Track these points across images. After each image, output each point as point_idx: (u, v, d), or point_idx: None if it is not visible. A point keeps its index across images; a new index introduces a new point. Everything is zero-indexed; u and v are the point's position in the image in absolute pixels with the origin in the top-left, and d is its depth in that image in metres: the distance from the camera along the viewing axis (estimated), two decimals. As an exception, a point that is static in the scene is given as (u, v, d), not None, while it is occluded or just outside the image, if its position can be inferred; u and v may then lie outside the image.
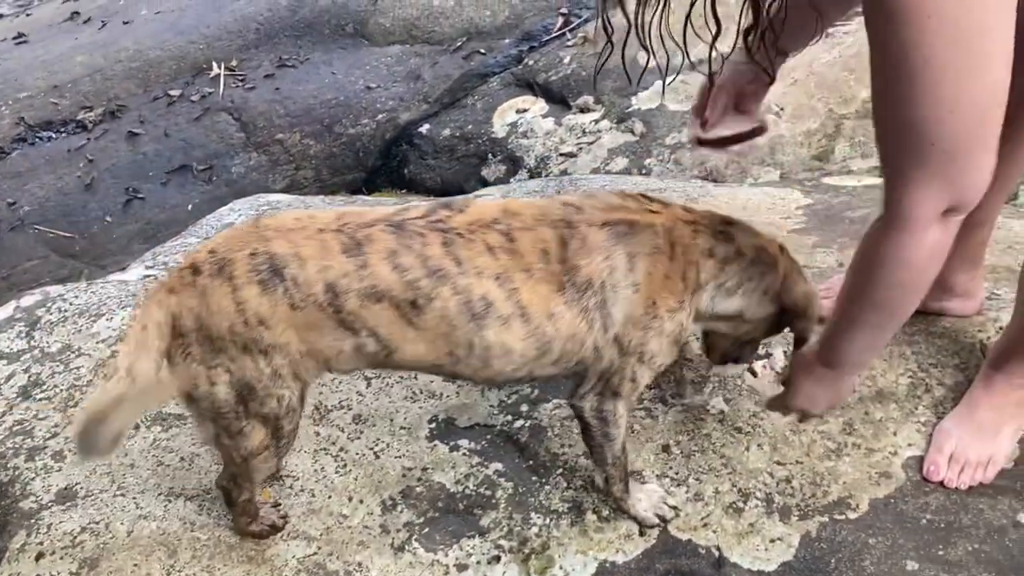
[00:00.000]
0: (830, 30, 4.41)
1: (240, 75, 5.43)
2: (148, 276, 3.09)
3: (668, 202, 2.03)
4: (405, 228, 1.81)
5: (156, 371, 1.81)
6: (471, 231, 1.82)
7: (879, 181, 3.47)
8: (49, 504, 2.30)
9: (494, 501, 2.23)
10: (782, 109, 4.01)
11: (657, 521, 2.12)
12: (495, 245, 1.81)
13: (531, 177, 4.49)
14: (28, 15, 7.37)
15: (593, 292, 1.85)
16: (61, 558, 2.18)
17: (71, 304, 2.96)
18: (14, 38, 6.68)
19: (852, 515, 2.11)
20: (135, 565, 2.15)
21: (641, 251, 1.87)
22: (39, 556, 2.19)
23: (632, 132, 4.36)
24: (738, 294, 2.00)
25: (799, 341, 2.12)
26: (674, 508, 2.14)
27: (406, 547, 2.16)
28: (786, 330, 2.15)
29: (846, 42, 4.31)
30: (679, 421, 2.33)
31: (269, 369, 1.82)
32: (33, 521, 2.27)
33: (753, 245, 2.01)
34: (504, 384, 2.08)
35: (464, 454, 2.34)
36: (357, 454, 2.35)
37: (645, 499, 2.14)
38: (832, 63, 4.15)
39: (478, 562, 2.13)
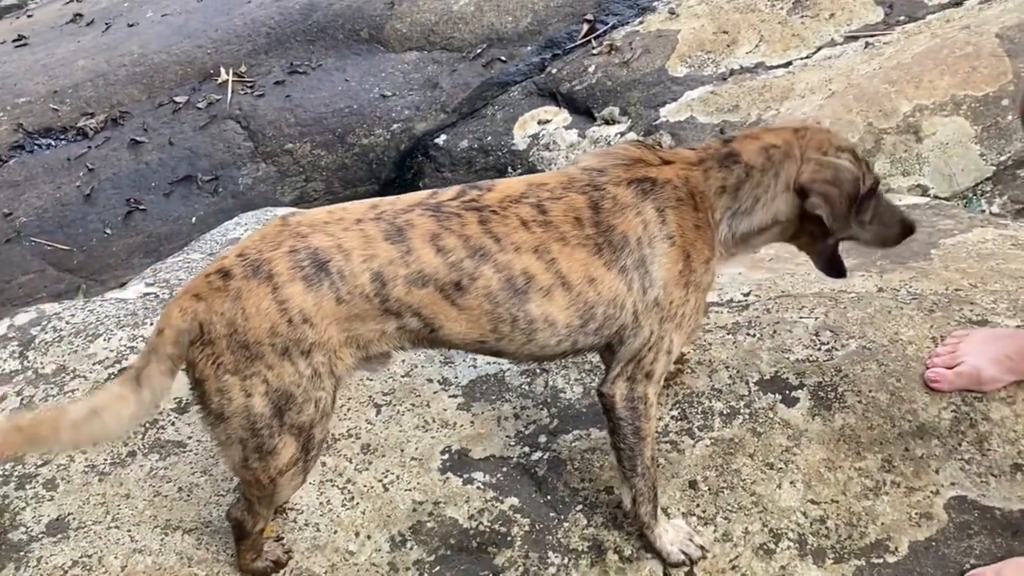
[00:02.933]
0: (870, 40, 4.43)
1: (249, 81, 5.49)
2: (148, 294, 3.12)
3: (674, 150, 2.11)
4: (442, 210, 1.89)
5: (166, 379, 1.84)
6: (503, 207, 1.91)
7: (922, 200, 3.48)
8: (39, 536, 2.33)
9: (509, 539, 2.23)
10: (819, 122, 4.00)
11: (683, 559, 2.11)
12: (528, 219, 1.91)
13: (552, 192, 4.50)
14: (29, 16, 7.50)
15: (630, 250, 1.93)
16: (52, 593, 2.20)
17: (67, 323, 2.99)
18: (14, 40, 6.79)
19: (891, 558, 2.09)
20: (129, 601, 2.16)
21: (667, 204, 1.96)
22: (29, 590, 2.21)
23: (660, 145, 4.37)
24: (758, 208, 2.04)
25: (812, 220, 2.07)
26: (701, 548, 2.12)
27: (415, 587, 2.16)
28: None
29: (886, 52, 4.30)
30: (707, 456, 2.32)
31: (309, 370, 1.85)
32: (22, 554, 2.29)
33: (760, 149, 2.04)
34: (547, 359, 2.13)
35: (478, 488, 2.34)
36: (365, 486, 2.35)
37: (672, 532, 2.13)
38: (872, 74, 4.15)
39: (491, 604, 2.13)
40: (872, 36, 4.47)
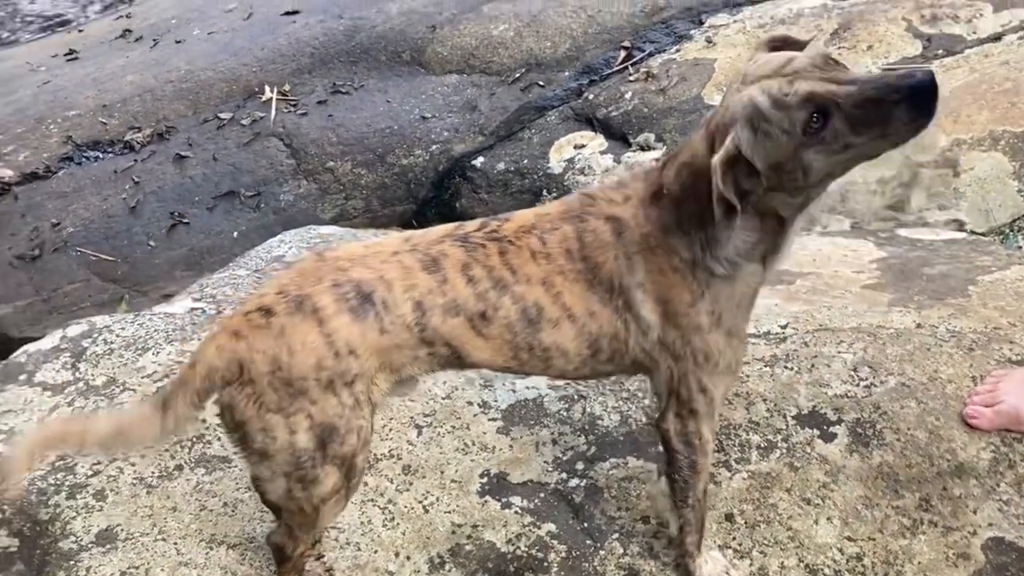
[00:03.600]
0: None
1: (292, 100, 5.55)
2: (195, 309, 3.17)
3: (624, 181, 1.93)
4: (469, 240, 1.92)
5: (191, 410, 1.86)
6: (518, 237, 1.92)
7: (958, 235, 3.46)
8: (89, 545, 2.37)
9: (546, 564, 2.24)
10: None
11: None
12: (536, 250, 1.91)
13: (587, 216, 4.52)
14: (80, 31, 7.64)
15: (616, 293, 1.90)
16: (100, 603, 2.23)
17: (117, 336, 3.05)
18: (65, 55, 6.91)
19: (929, 600, 2.08)
20: (175, 613, 2.19)
21: (633, 249, 1.87)
22: (78, 599, 2.25)
23: (695, 173, 4.38)
24: (722, 232, 1.73)
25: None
26: None
27: (453, 609, 2.18)
28: None
29: (925, 85, 4.28)
30: (744, 489, 2.32)
31: (351, 400, 1.86)
32: (72, 563, 2.33)
33: (682, 166, 1.78)
34: (576, 379, 2.14)
35: (516, 512, 2.36)
36: (405, 507, 2.38)
37: (711, 564, 2.14)
38: (910, 107, 4.14)
39: (528, 629, 2.14)
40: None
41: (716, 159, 1.64)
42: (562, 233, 1.91)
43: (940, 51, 4.49)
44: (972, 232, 3.63)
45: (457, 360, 1.96)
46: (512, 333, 1.91)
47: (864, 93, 1.58)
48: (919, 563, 2.13)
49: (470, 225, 1.96)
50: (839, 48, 4.67)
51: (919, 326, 2.69)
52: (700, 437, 2.01)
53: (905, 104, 1.59)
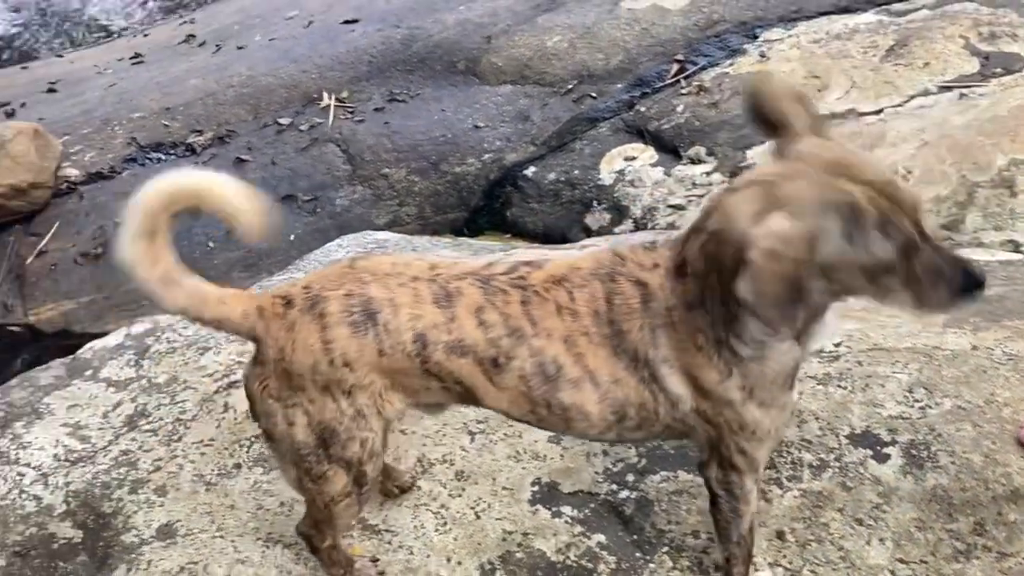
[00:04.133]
0: (965, 91, 4.32)
1: (350, 107, 5.62)
2: (255, 311, 3.22)
3: (665, 243, 1.81)
4: (491, 283, 1.85)
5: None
6: (546, 289, 1.82)
7: (1015, 256, 3.37)
8: (150, 540, 2.42)
9: (596, 575, 2.24)
10: (910, 172, 3.92)
11: None
12: (562, 305, 1.80)
13: (636, 228, 4.50)
14: (145, 35, 7.81)
15: (642, 364, 1.78)
16: (160, 596, 2.28)
17: (180, 335, 3.11)
18: (131, 58, 7.07)
19: (982, 626, 2.04)
20: (232, 610, 2.23)
21: (658, 322, 1.75)
22: (139, 592, 2.30)
23: (746, 187, 4.34)
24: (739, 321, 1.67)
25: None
26: None
27: (503, 616, 2.19)
28: None
29: (981, 104, 4.20)
30: (795, 507, 2.30)
31: (352, 410, 1.87)
32: (134, 556, 2.38)
33: (657, 280, 1.75)
34: (603, 442, 2.10)
35: (567, 522, 2.35)
36: (458, 512, 2.39)
37: None
38: (966, 126, 4.05)
39: (576, 639, 2.14)
40: (967, 87, 4.37)
41: (787, 230, 1.50)
42: (591, 291, 1.79)
43: (998, 69, 4.41)
44: (1029, 254, 3.54)
45: (474, 400, 1.91)
46: (527, 386, 1.82)
47: (937, 262, 1.58)
48: (973, 589, 2.09)
49: (499, 267, 1.87)
50: (895, 65, 4.60)
51: (975, 348, 2.64)
52: (742, 488, 1.95)
53: (956, 290, 1.60)
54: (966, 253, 3.39)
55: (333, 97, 5.68)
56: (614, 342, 1.77)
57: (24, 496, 2.62)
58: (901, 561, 2.16)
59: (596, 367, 1.79)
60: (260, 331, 1.87)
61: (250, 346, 2.94)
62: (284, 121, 5.66)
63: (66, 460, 2.71)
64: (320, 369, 1.83)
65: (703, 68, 5.16)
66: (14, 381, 3.10)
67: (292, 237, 5.02)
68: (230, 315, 1.88)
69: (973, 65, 4.48)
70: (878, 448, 2.38)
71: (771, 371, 1.77)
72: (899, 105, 4.41)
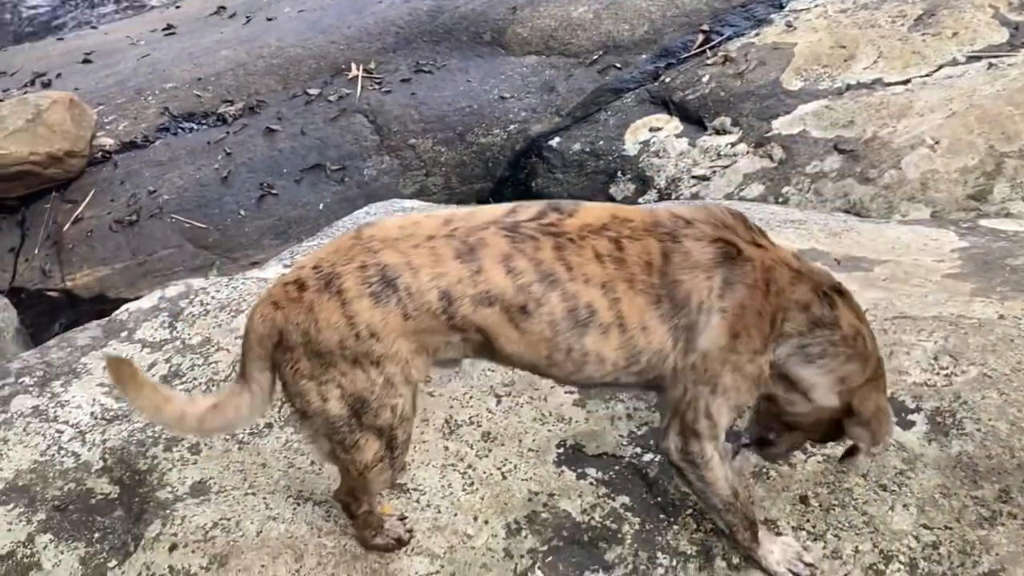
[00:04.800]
0: (994, 61, 4.21)
1: (377, 78, 5.58)
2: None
3: (774, 244, 1.97)
4: (518, 231, 1.84)
5: (265, 374, 1.94)
6: (581, 236, 1.84)
7: (1043, 227, 3.30)
8: (184, 496, 2.43)
9: (620, 536, 2.23)
10: (937, 142, 3.84)
11: None
12: (603, 252, 1.84)
13: (660, 198, 4.45)
14: (178, 7, 7.79)
15: (687, 312, 1.85)
16: (193, 552, 2.29)
17: (213, 298, 3.11)
18: (163, 29, 7.07)
19: (1005, 590, 2.01)
20: (263, 566, 2.24)
21: (740, 280, 1.85)
22: (172, 547, 2.31)
23: (770, 158, 4.27)
24: (815, 365, 1.93)
25: (850, 451, 2.03)
26: (811, 566, 2.07)
27: (529, 574, 2.18)
28: None
29: (1011, 74, 4.09)
30: (819, 472, 2.26)
31: (382, 379, 1.87)
32: (168, 512, 2.39)
33: (853, 325, 1.93)
34: (585, 387, 2.13)
35: (591, 483, 2.34)
36: (484, 473, 2.38)
37: (778, 552, 2.08)
38: (995, 96, 3.95)
39: (601, 597, 2.13)
40: (996, 57, 4.26)
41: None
42: (644, 245, 1.85)
43: (1028, 39, 4.29)
44: (1057, 225, 3.46)
45: (490, 352, 1.92)
46: (554, 331, 1.84)
47: None
48: (997, 555, 2.05)
49: (523, 213, 1.87)
50: (923, 34, 4.48)
51: (1002, 317, 2.58)
52: (703, 456, 1.96)
53: None
54: (992, 223, 3.35)
55: (361, 68, 5.64)
56: (660, 291, 1.84)
57: (63, 453, 2.64)
58: (925, 527, 2.13)
59: (628, 313, 1.84)
60: (281, 321, 1.86)
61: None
62: (313, 91, 5.63)
63: (103, 418, 2.73)
64: (347, 344, 1.82)
65: (729, 38, 5.07)
66: (52, 342, 3.12)
67: (321, 206, 5.02)
68: (256, 330, 1.91)
69: (1002, 35, 4.36)
70: (903, 415, 2.33)
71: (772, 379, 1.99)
72: (927, 75, 4.31)
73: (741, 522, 2.06)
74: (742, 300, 1.84)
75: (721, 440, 1.99)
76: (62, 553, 2.39)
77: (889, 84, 4.33)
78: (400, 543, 2.24)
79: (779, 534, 2.14)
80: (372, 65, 5.68)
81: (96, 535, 2.43)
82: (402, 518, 2.28)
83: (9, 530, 2.45)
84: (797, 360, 1.93)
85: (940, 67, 4.33)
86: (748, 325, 1.85)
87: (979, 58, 4.29)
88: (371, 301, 1.81)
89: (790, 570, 2.07)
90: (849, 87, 4.40)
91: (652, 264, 1.84)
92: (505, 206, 1.93)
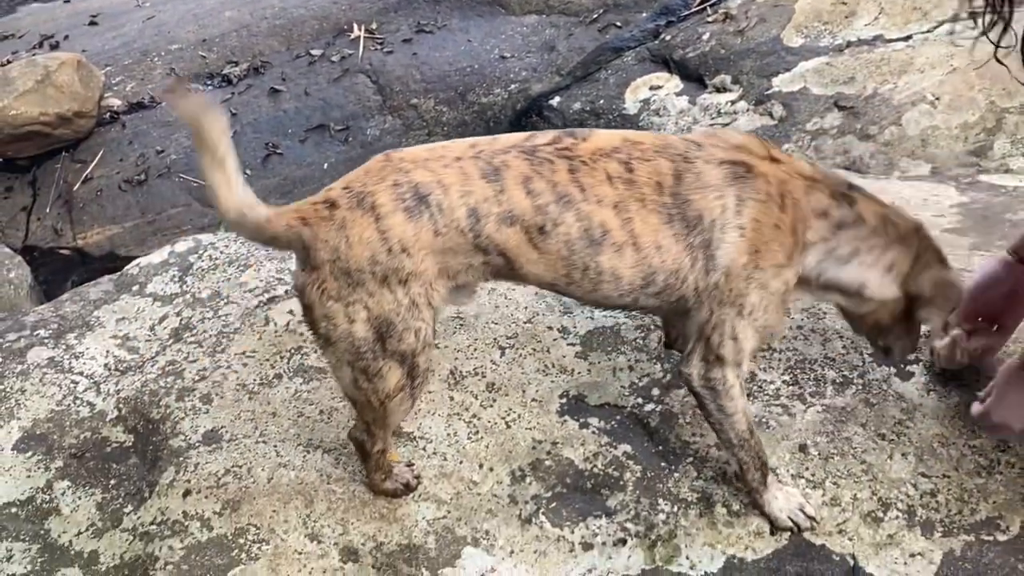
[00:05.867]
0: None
1: (379, 38, 5.47)
2: (292, 231, 3.17)
3: (791, 157, 1.96)
4: (536, 154, 1.85)
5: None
6: (593, 159, 1.85)
7: (1044, 183, 3.24)
8: (196, 444, 2.41)
9: (622, 483, 2.21)
10: (937, 99, 3.76)
11: (790, 525, 2.05)
12: (614, 174, 1.84)
13: (661, 155, 4.38)
14: (181, -30, 7.63)
15: (701, 230, 1.84)
16: (206, 497, 2.28)
17: (221, 253, 3.07)
18: (168, -9, 6.93)
19: (1001, 537, 1.99)
20: (274, 511, 2.23)
21: (752, 196, 1.85)
22: (186, 493, 2.30)
23: (771, 115, 4.19)
24: (853, 264, 1.92)
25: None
26: (811, 519, 2.05)
27: (533, 520, 2.16)
28: None
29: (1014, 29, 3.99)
30: (818, 421, 2.24)
31: (407, 299, 1.85)
32: (181, 459, 2.38)
33: (878, 214, 1.92)
34: (612, 308, 2.13)
35: (594, 432, 2.32)
36: (489, 422, 2.36)
37: (782, 499, 2.06)
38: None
39: (603, 543, 2.11)
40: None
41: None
42: (655, 166, 1.86)
43: (1030, -5, 4.18)
44: (1057, 179, 3.39)
45: (509, 271, 1.92)
46: (570, 250, 1.86)
47: None
48: (994, 502, 2.03)
49: (541, 138, 1.89)
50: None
51: (1000, 270, 2.53)
52: (724, 383, 1.95)
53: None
54: (992, 179, 3.28)
55: (363, 28, 5.53)
56: (672, 211, 1.84)
57: (78, 403, 2.62)
58: (923, 475, 2.11)
59: (641, 232, 1.84)
60: (308, 238, 1.83)
61: (291, 263, 2.92)
62: (316, 52, 5.53)
63: (116, 369, 2.70)
64: (379, 259, 1.80)
65: (730, -4, 4.96)
66: (65, 296, 3.09)
67: (325, 165, 4.95)
68: (277, 231, 1.85)
69: (1005, -11, 4.24)
70: (902, 366, 2.30)
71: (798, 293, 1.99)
72: (928, 31, 4.20)
73: (753, 461, 2.04)
74: (756, 215, 1.84)
75: (744, 369, 1.98)
76: (79, 499, 2.39)
77: (890, 40, 4.23)
78: (408, 488, 2.22)
79: (781, 483, 2.12)
80: (374, 25, 5.56)
81: (112, 482, 2.42)
82: (409, 464, 2.26)
83: (28, 477, 2.45)
84: (831, 265, 1.93)
85: (941, 23, 4.22)
86: (767, 240, 1.85)
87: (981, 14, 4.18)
88: (404, 216, 1.80)
89: (791, 518, 2.05)
90: (850, 44, 4.30)
91: (663, 184, 1.85)
92: (523, 134, 1.94)
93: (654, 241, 1.85)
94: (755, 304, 1.89)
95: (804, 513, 2.05)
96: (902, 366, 2.31)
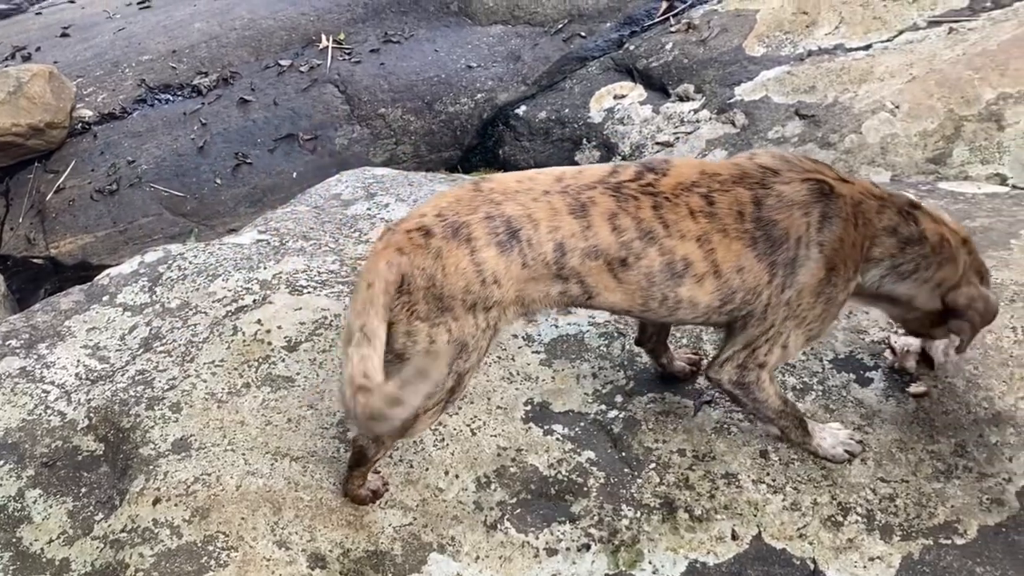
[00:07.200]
0: (954, 26, 4.13)
1: (347, 48, 5.42)
2: (261, 240, 3.12)
3: (858, 178, 2.02)
4: (622, 191, 1.88)
5: (384, 325, 1.81)
6: (675, 195, 1.88)
7: (1000, 189, 3.25)
8: (166, 452, 2.36)
9: (586, 489, 2.19)
10: (897, 107, 3.77)
11: (847, 457, 2.10)
12: (696, 209, 1.87)
13: (626, 164, 4.37)
14: (152, -19, 7.50)
15: (788, 247, 1.88)
16: (175, 505, 2.23)
17: (190, 263, 3.01)
18: (139, 3, 6.81)
19: (959, 540, 1.99)
20: (242, 519, 2.18)
21: (837, 214, 1.89)
22: (156, 501, 2.25)
23: (733, 124, 4.19)
24: (911, 279, 1.98)
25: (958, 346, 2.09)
26: (860, 443, 2.12)
27: (498, 526, 2.14)
28: None
29: (971, 39, 4.01)
30: (779, 425, 2.23)
31: (484, 323, 1.86)
32: (151, 468, 2.33)
33: (938, 232, 1.97)
34: (682, 324, 2.21)
35: (558, 439, 2.30)
36: (455, 429, 2.33)
37: (830, 438, 2.11)
38: (955, 60, 3.88)
39: (568, 548, 2.09)
40: (956, 21, 4.17)
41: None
42: (735, 196, 1.89)
43: (988, 3, 4.21)
44: (1015, 187, 3.39)
45: (587, 301, 1.93)
46: (650, 282, 1.88)
47: None
48: (952, 506, 2.03)
49: (625, 174, 1.92)
50: (884, 1, 4.39)
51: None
52: (758, 381, 2.01)
53: None
54: (951, 186, 3.31)
55: (331, 39, 5.48)
56: (755, 234, 1.88)
57: (49, 412, 2.56)
58: (882, 480, 2.10)
59: (724, 259, 1.88)
60: (406, 267, 1.82)
61: (259, 273, 2.87)
62: (284, 63, 5.47)
63: (87, 379, 2.65)
64: (472, 289, 1.82)
65: (692, 6, 4.97)
66: (37, 306, 3.03)
67: (294, 174, 4.90)
68: (383, 276, 1.82)
69: (963, 0, 4.28)
70: (861, 372, 2.31)
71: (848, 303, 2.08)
72: (888, 40, 4.23)
73: (792, 423, 2.09)
74: (840, 234, 1.89)
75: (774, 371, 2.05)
76: (51, 507, 2.34)
77: (850, 50, 4.25)
78: (376, 495, 2.19)
79: (823, 426, 2.16)
80: (342, 36, 5.52)
81: (83, 490, 2.37)
82: (377, 471, 2.22)
83: (0, 486, 2.39)
84: (892, 279, 1.99)
85: (901, 32, 4.25)
86: (845, 257, 1.90)
87: (940, 23, 4.21)
88: (498, 250, 1.82)
89: (846, 450, 2.11)
90: (811, 53, 4.32)
91: (744, 213, 1.88)
92: (607, 166, 1.97)
93: (736, 265, 1.88)
94: (816, 316, 1.94)
95: (853, 440, 2.12)
96: (861, 372, 2.31)
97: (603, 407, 2.36)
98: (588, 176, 1.90)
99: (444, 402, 1.96)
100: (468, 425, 2.34)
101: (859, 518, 2.05)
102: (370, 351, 1.78)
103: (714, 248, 1.86)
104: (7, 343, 2.80)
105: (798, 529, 2.04)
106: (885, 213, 1.94)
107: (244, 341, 2.63)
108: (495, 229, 1.82)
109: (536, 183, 1.88)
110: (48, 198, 5.11)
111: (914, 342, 2.24)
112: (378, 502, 2.19)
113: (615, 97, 4.70)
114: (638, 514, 2.12)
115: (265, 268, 2.92)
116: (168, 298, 2.88)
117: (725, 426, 2.24)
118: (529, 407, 2.37)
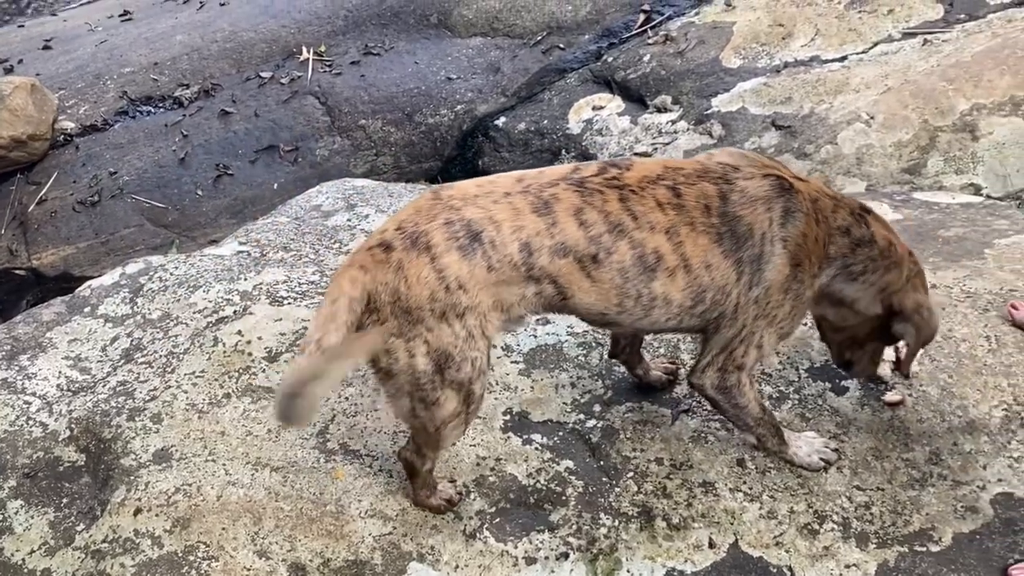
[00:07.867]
0: (929, 37, 4.18)
1: (328, 60, 5.40)
2: (241, 251, 3.10)
3: (808, 177, 2.03)
4: (586, 185, 1.86)
5: (343, 343, 1.77)
6: (641, 187, 1.86)
7: (975, 199, 3.29)
8: (147, 463, 2.34)
9: (564, 498, 2.18)
10: (872, 118, 3.81)
11: (823, 465, 2.10)
12: (664, 201, 1.86)
13: (606, 174, 4.37)
14: (134, -7, 7.48)
15: (752, 244, 1.87)
16: (156, 515, 2.21)
17: (171, 274, 2.99)
18: (120, 15, 6.78)
19: (934, 548, 2.00)
20: (223, 528, 2.16)
21: (799, 209, 1.89)
22: (137, 511, 2.23)
23: (710, 135, 4.22)
24: (859, 281, 1.99)
25: (897, 361, 2.13)
26: (836, 451, 2.12)
27: (477, 535, 2.13)
28: None
29: (945, 50, 4.05)
30: (755, 434, 2.24)
31: (464, 332, 1.83)
32: (132, 478, 2.31)
33: (886, 237, 1.99)
34: (652, 333, 2.17)
35: (536, 448, 2.29)
36: (434, 441, 2.31)
37: (805, 446, 2.11)
38: (929, 72, 3.92)
39: (547, 557, 2.08)
40: (931, 33, 4.22)
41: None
42: (700, 189, 1.88)
43: (962, 15, 4.25)
44: (989, 196, 3.43)
45: (561, 302, 1.91)
46: (624, 278, 1.86)
47: None
48: (927, 514, 2.04)
49: (587, 170, 1.90)
50: (859, 12, 4.44)
51: (934, 286, 2.55)
52: (739, 385, 2.01)
53: None
54: (926, 196, 3.34)
55: (311, 51, 5.47)
56: (721, 230, 1.87)
57: (31, 423, 2.54)
58: (858, 488, 2.11)
59: (692, 254, 1.86)
60: (370, 284, 1.80)
61: (239, 284, 2.85)
62: (265, 75, 5.45)
63: (68, 390, 2.62)
64: (437, 297, 1.79)
65: (669, 18, 5.00)
66: (18, 317, 3.00)
67: (275, 186, 4.87)
68: (347, 293, 1.79)
69: (937, 12, 4.32)
70: (837, 381, 2.32)
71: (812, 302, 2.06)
72: (863, 52, 4.27)
73: (769, 431, 2.10)
74: (803, 229, 1.89)
75: (753, 372, 2.04)
76: (32, 518, 2.31)
77: (826, 61, 4.29)
78: (451, 504, 2.17)
79: (798, 434, 2.17)
80: (322, 48, 5.50)
81: (64, 500, 2.34)
82: (452, 480, 2.20)
83: (-19, 497, 2.36)
84: (842, 279, 1.99)
85: (876, 44, 4.29)
86: (809, 252, 1.90)
87: (914, 34, 4.26)
88: (459, 254, 1.79)
89: (821, 458, 2.11)
90: (787, 64, 4.35)
91: (710, 207, 1.87)
92: (568, 166, 1.95)
93: (704, 260, 1.87)
94: (786, 313, 1.94)
95: (828, 448, 2.12)
96: (837, 381, 2.32)
97: (582, 416, 2.36)
98: (550, 175, 1.88)
99: (463, 413, 1.94)
100: (448, 435, 2.32)
101: (835, 526, 2.05)
102: (317, 365, 1.74)
103: (683, 241, 1.85)
104: (-12, 355, 2.76)
105: (775, 537, 2.04)
106: (839, 212, 1.95)
107: (225, 352, 2.61)
108: (455, 234, 1.79)
109: (496, 186, 1.86)
110: (30, 209, 5.06)
111: (889, 350, 2.25)
112: (358, 512, 2.17)
113: (594, 108, 4.72)
114: (616, 523, 2.12)
115: (246, 279, 2.90)
116: (149, 309, 2.85)
117: (702, 435, 2.25)
118: (508, 417, 2.37)
